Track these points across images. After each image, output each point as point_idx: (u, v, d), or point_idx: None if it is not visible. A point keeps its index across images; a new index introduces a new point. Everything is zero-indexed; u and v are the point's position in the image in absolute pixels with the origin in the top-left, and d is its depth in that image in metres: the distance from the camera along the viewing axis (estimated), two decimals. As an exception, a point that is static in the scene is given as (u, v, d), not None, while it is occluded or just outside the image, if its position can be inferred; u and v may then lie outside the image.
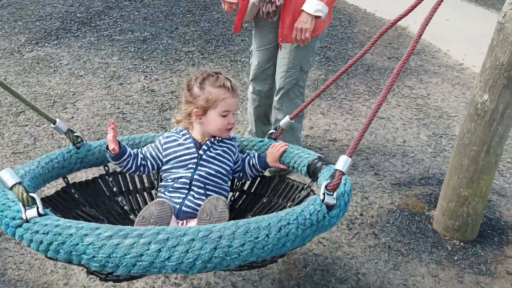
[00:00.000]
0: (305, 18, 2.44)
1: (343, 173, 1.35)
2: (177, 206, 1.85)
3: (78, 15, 5.16)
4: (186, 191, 1.87)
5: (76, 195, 1.94)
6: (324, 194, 1.37)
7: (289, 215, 1.31)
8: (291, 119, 2.16)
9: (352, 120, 3.66)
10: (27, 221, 1.29)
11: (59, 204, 1.83)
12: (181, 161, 1.91)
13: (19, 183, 1.29)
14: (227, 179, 1.99)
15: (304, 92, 2.91)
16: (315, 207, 1.35)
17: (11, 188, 1.28)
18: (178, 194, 1.87)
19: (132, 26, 5.00)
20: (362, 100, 3.95)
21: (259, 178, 2.17)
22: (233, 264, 1.22)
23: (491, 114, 2.17)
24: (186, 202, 1.86)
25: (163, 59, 4.39)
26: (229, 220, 1.64)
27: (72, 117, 3.43)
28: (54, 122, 1.91)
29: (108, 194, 2.08)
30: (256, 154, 2.07)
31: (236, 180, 2.18)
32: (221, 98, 1.87)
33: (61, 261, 1.27)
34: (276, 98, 2.85)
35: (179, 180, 1.88)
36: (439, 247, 2.50)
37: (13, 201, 1.39)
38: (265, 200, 2.06)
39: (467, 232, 2.51)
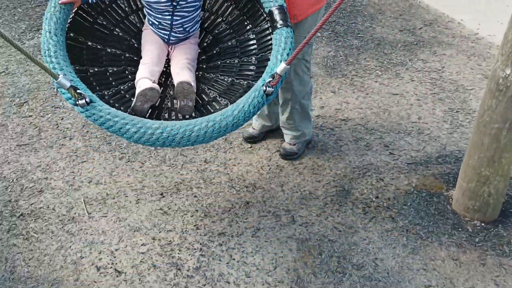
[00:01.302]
0: None
1: (280, 76, 1.86)
2: (165, 39, 2.30)
3: None
4: (169, 30, 2.26)
5: (89, 9, 2.28)
6: (266, 86, 1.88)
7: (240, 113, 1.89)
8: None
9: (364, 98, 3.53)
10: (82, 106, 1.82)
11: (81, 22, 2.24)
12: (159, 9, 2.19)
13: (71, 86, 1.77)
14: (198, 10, 2.29)
15: (311, 67, 2.77)
16: (258, 100, 1.90)
17: (67, 89, 1.77)
18: (163, 31, 2.28)
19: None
20: (374, 76, 3.81)
21: None
22: (206, 143, 2.11)
23: (514, 89, 2.04)
24: (171, 37, 2.30)
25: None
26: (202, 26, 2.47)
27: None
28: None
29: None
30: None
31: None
32: None
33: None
34: None
35: (162, 23, 2.24)
36: (460, 229, 2.41)
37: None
38: (237, 13, 2.42)
39: (488, 212, 2.41)
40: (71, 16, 2.17)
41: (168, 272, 2.18)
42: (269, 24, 2.20)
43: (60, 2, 2.04)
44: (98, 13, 2.33)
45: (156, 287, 2.12)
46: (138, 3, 2.46)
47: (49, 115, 3.26)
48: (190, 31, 2.31)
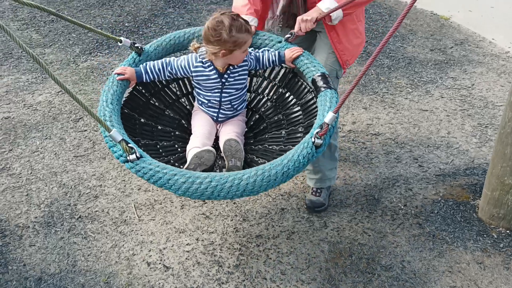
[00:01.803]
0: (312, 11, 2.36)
1: (329, 125, 1.90)
2: (214, 117, 2.45)
3: (126, 24, 5.43)
4: (218, 108, 2.42)
5: (143, 90, 2.47)
6: (315, 138, 1.91)
7: (289, 163, 1.88)
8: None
9: (394, 114, 3.70)
10: (132, 161, 1.88)
11: (135, 100, 2.43)
12: (209, 87, 2.37)
13: (122, 139, 1.85)
14: (245, 89, 2.46)
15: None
16: (307, 150, 1.91)
17: (118, 143, 1.86)
18: (212, 109, 2.44)
19: (177, 32, 5.22)
20: (404, 93, 3.98)
21: (277, 69, 2.63)
22: (255, 194, 1.89)
23: (532, 102, 2.19)
24: (219, 115, 2.44)
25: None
26: (249, 105, 2.63)
27: (126, 121, 3.66)
28: (120, 41, 2.33)
29: (165, 83, 2.58)
30: (276, 53, 2.43)
31: (258, 69, 2.57)
32: (246, 41, 2.23)
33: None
34: None
35: (211, 101, 2.41)
36: (485, 235, 2.53)
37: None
38: (281, 91, 2.58)
39: (513, 220, 2.52)
40: (126, 95, 2.37)
41: (211, 268, 2.40)
42: (313, 95, 2.33)
43: (117, 78, 2.26)
44: (152, 94, 2.51)
45: (200, 281, 2.34)
46: (188, 87, 2.64)
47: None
48: (238, 108, 2.46)
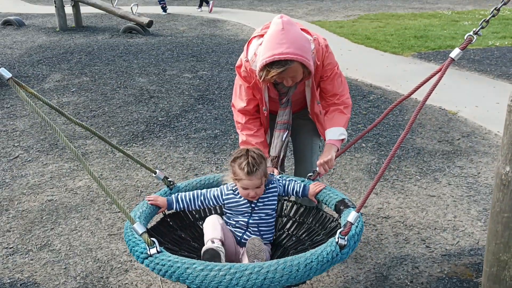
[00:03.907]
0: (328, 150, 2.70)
1: (352, 224, 1.99)
2: (239, 238, 2.55)
3: (159, 118, 6.01)
4: (245, 229, 2.56)
5: (171, 222, 2.70)
6: (338, 237, 1.99)
7: (312, 256, 1.92)
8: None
9: (404, 199, 3.96)
10: (151, 255, 1.98)
11: (162, 230, 2.60)
12: (238, 211, 2.54)
13: (145, 231, 1.96)
14: (274, 216, 2.61)
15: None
16: (331, 248, 1.98)
17: (140, 235, 1.96)
18: (239, 230, 2.56)
19: (205, 125, 5.75)
20: (413, 180, 4.27)
21: (302, 208, 2.84)
22: (277, 286, 1.87)
23: (515, 183, 2.46)
24: (244, 236, 2.54)
25: (231, 152, 5.01)
26: (273, 242, 2.67)
27: (156, 204, 4.02)
28: (155, 172, 2.69)
29: (192, 220, 2.81)
30: (302, 185, 2.65)
31: (284, 208, 2.87)
32: (240, 178, 2.42)
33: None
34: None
35: (239, 222, 2.55)
36: (487, 310, 2.67)
37: (139, 241, 2.08)
38: (306, 226, 2.74)
39: (512, 296, 2.67)
40: (153, 224, 2.58)
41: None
42: (337, 222, 2.50)
43: (148, 202, 2.49)
44: (180, 227, 2.70)
45: None
46: None
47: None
48: (264, 236, 2.55)
